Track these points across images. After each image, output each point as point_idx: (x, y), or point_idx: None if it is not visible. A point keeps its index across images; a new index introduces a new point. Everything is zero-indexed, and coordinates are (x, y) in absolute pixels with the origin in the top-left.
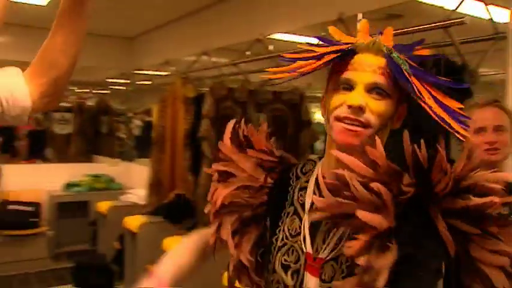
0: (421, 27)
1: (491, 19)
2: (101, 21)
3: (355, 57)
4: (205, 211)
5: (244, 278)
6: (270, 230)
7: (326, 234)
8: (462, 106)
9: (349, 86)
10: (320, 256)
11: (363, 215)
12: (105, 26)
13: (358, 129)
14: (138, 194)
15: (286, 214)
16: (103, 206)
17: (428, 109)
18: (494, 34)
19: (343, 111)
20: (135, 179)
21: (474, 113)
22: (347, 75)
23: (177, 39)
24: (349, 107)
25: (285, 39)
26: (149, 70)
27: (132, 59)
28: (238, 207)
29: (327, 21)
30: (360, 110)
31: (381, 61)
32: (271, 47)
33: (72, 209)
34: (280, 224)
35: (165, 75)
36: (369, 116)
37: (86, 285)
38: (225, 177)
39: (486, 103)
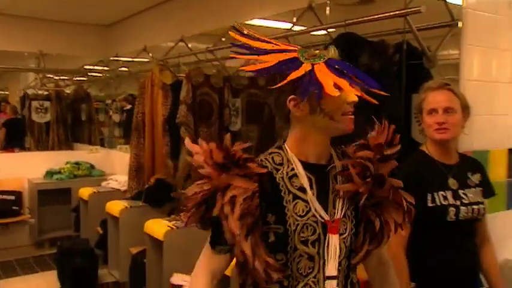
0: (381, 15)
1: (446, 3)
2: (77, 9)
3: None
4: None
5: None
6: (275, 222)
7: (333, 203)
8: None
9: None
10: (336, 218)
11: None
12: (82, 13)
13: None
14: (119, 180)
15: (287, 202)
16: (84, 192)
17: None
18: (451, 21)
19: (347, 107)
20: (116, 165)
21: (428, 96)
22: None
23: (154, 26)
24: (351, 102)
25: (260, 25)
26: (127, 57)
27: (110, 46)
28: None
29: (299, 8)
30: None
31: None
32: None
33: (53, 196)
34: (286, 212)
35: (143, 62)
36: None
37: (69, 269)
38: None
39: (438, 87)
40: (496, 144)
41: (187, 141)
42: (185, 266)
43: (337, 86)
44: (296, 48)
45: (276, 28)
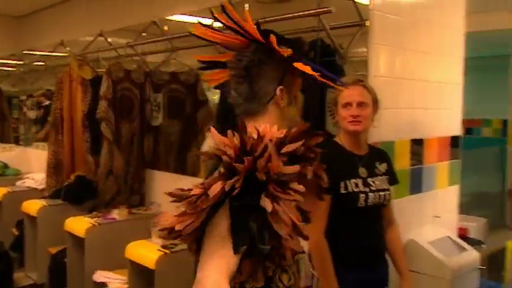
0: (296, 14)
1: (355, 2)
2: None
3: None
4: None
5: None
6: None
7: None
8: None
9: None
10: None
11: None
12: None
13: None
14: (36, 178)
15: None
16: None
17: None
18: (360, 21)
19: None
20: (32, 163)
21: (343, 92)
22: None
23: (72, 19)
24: None
25: (181, 20)
26: (43, 51)
27: (23, 39)
28: None
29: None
30: None
31: None
32: (166, 28)
33: None
34: None
35: (61, 56)
36: None
37: None
38: None
39: (353, 82)
40: (401, 135)
41: (214, 132)
42: (108, 262)
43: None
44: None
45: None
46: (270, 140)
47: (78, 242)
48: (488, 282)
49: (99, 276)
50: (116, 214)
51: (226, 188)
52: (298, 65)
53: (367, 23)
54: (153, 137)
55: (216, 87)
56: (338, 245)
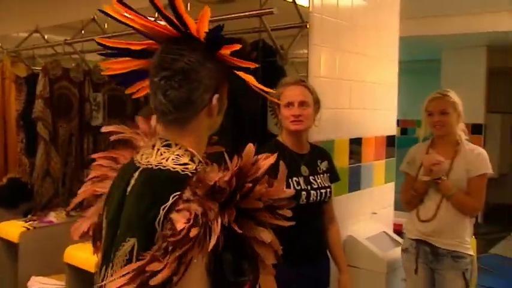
0: (237, 14)
1: (295, 4)
2: None
3: None
4: None
5: None
6: None
7: None
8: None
9: None
10: None
11: None
12: None
13: None
14: None
15: None
16: None
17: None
18: (300, 23)
19: None
20: None
21: (285, 90)
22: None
23: (5, 13)
24: None
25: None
26: None
27: None
28: None
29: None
30: None
31: None
32: (106, 26)
33: None
34: None
35: None
36: None
37: None
38: None
39: (295, 82)
40: (340, 134)
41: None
42: (45, 268)
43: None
44: None
45: None
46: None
47: (11, 247)
48: None
49: (34, 282)
50: (53, 217)
51: (226, 223)
52: (244, 76)
53: (308, 25)
54: (93, 137)
55: (110, 78)
56: (281, 242)
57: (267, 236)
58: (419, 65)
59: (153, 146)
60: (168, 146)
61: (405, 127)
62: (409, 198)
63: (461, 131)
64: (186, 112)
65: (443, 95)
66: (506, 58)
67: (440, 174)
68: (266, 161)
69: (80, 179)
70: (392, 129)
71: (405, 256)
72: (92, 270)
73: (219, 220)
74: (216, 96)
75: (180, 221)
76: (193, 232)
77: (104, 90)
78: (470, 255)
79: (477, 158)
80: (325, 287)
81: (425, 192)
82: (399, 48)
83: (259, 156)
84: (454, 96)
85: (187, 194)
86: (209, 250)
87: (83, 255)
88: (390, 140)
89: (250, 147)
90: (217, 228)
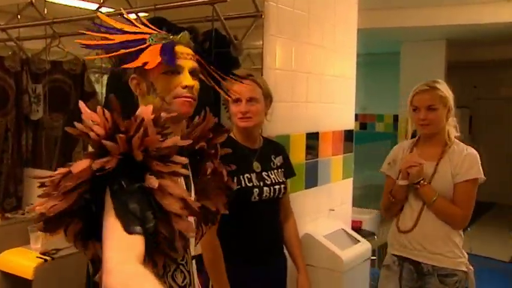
0: (189, 2)
1: None
2: None
3: (177, 47)
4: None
5: None
6: None
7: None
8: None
9: (178, 71)
10: None
11: None
12: None
13: (192, 101)
14: None
15: None
16: None
17: (209, 82)
18: (255, 12)
19: (181, 91)
20: None
21: (233, 86)
22: (179, 62)
23: None
24: (185, 87)
25: (63, 4)
26: None
27: None
28: None
29: None
30: (192, 88)
31: (190, 51)
32: (45, 11)
33: None
34: None
35: None
36: (195, 92)
37: None
38: None
39: (242, 77)
40: (296, 129)
41: (83, 106)
42: None
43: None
44: (150, 32)
45: (81, 9)
46: (146, 117)
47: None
48: (379, 271)
49: None
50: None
51: (94, 167)
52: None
53: (263, 15)
54: (32, 133)
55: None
56: (235, 241)
57: (153, 181)
58: (378, 57)
59: None
60: None
61: (364, 122)
62: (387, 204)
63: (452, 128)
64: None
65: (431, 87)
66: (465, 52)
67: (419, 178)
68: (139, 115)
69: (18, 177)
70: (351, 124)
71: (385, 273)
72: (30, 276)
73: (82, 162)
74: (132, 75)
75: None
76: (58, 171)
77: (44, 81)
78: (463, 271)
79: (465, 161)
80: (282, 287)
81: (405, 199)
82: (357, 40)
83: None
84: (444, 88)
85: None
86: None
87: (19, 260)
88: (348, 135)
89: (141, 108)
90: (76, 169)
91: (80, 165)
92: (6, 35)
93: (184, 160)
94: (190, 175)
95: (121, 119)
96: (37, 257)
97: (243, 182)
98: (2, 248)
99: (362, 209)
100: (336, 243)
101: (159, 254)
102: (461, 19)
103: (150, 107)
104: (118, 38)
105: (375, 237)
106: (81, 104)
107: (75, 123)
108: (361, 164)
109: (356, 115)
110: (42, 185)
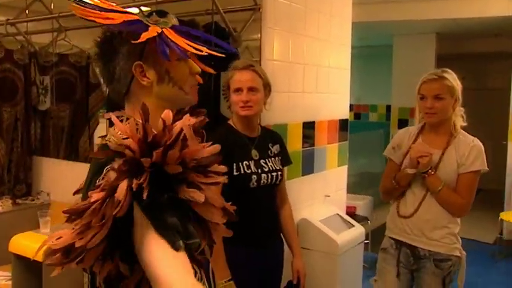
0: None
1: None
2: None
3: None
4: None
5: None
6: None
7: None
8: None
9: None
10: None
11: None
12: None
13: None
14: None
15: None
16: None
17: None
18: (253, 5)
19: (194, 79)
20: None
21: (234, 75)
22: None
23: None
24: (196, 73)
25: None
26: None
27: None
28: None
29: None
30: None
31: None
32: (52, 6)
33: None
34: None
35: None
36: None
37: None
38: None
39: (244, 67)
40: (293, 118)
41: (116, 121)
42: None
43: (190, 49)
44: (136, 13)
45: None
46: (184, 126)
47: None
48: (372, 254)
49: None
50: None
51: (134, 187)
52: (169, 34)
53: (261, 8)
54: (40, 122)
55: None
56: (234, 225)
57: (198, 195)
58: (372, 50)
59: None
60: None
61: (359, 112)
62: (389, 188)
63: (458, 118)
64: (113, 84)
65: (440, 76)
66: (454, 44)
67: (428, 167)
68: (177, 126)
69: (27, 165)
70: (345, 113)
71: (383, 256)
72: (39, 259)
73: (123, 185)
74: (136, 63)
75: (94, 195)
76: (95, 197)
77: (51, 73)
78: (456, 256)
79: (471, 152)
80: (278, 270)
81: (408, 185)
82: (352, 33)
83: (176, 124)
84: (452, 78)
85: (115, 165)
86: (114, 213)
87: (30, 244)
88: (343, 124)
89: (165, 114)
90: (120, 194)
91: (122, 189)
92: (15, 29)
93: (223, 169)
94: None
95: (152, 131)
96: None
97: (242, 169)
98: (13, 232)
99: (356, 195)
100: (332, 228)
101: (192, 261)
102: (451, 13)
103: (170, 114)
104: (116, 17)
105: (368, 222)
106: (113, 117)
107: (108, 143)
108: (356, 153)
109: (351, 105)
110: (73, 214)
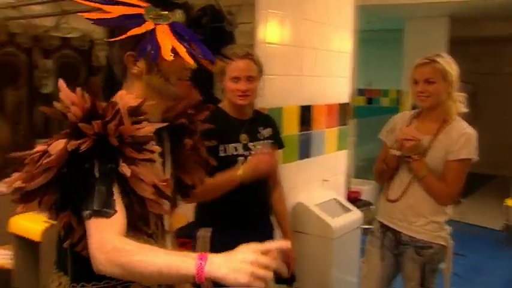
0: None
1: None
2: None
3: None
4: None
5: None
6: None
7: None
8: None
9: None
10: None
11: None
12: None
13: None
14: None
15: None
16: None
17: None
18: None
19: (184, 73)
20: None
21: (231, 64)
22: None
23: None
24: (189, 69)
25: None
26: None
27: None
28: None
29: None
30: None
31: None
32: None
33: None
34: None
35: None
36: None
37: None
38: None
39: (242, 56)
40: (289, 101)
41: (62, 85)
42: None
43: (174, 51)
44: (145, 5)
45: None
46: (122, 106)
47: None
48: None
49: None
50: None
51: (69, 148)
52: (161, 32)
53: None
54: (44, 105)
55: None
56: (221, 207)
57: (125, 169)
58: (383, 34)
59: None
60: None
61: (370, 97)
62: (380, 170)
63: (456, 103)
64: (111, 70)
65: (431, 60)
66: (469, 28)
67: (413, 152)
68: (122, 102)
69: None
70: (346, 97)
71: (370, 239)
72: (38, 239)
73: (59, 142)
74: (128, 53)
75: (39, 147)
76: (37, 149)
77: (54, 56)
78: (440, 244)
79: (459, 140)
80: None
81: (397, 168)
82: (362, 17)
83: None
84: (445, 62)
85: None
86: (44, 163)
87: (28, 224)
88: (344, 108)
89: (120, 93)
90: (53, 148)
91: (56, 146)
92: (18, 13)
93: (157, 149)
94: (169, 152)
95: (100, 103)
96: (44, 221)
97: (227, 150)
98: (13, 213)
99: (362, 180)
100: (327, 212)
101: (134, 229)
102: None
103: (131, 97)
104: (115, 11)
105: (372, 207)
106: (61, 83)
107: (54, 102)
108: (367, 137)
109: (362, 90)
110: (21, 161)
